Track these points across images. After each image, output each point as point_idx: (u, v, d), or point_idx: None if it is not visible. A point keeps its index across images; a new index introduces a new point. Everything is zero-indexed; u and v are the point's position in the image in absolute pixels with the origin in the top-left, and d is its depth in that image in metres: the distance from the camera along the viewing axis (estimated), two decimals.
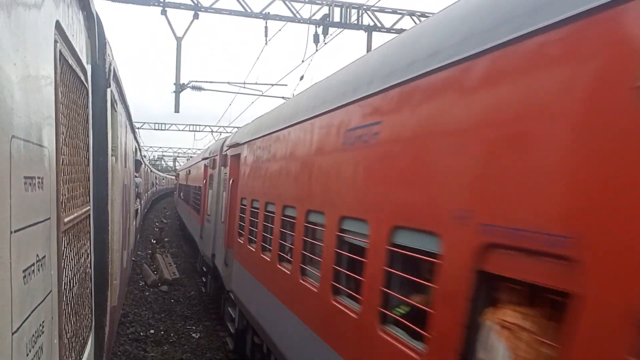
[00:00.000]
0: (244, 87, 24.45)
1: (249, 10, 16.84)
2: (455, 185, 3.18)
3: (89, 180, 3.21)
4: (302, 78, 20.80)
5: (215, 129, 57.95)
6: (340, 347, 4.73)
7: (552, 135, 2.50)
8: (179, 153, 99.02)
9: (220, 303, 14.09)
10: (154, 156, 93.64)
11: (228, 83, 24.35)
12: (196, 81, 23.49)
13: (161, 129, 57.76)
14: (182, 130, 58.57)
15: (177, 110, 19.87)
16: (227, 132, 52.93)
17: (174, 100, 20.09)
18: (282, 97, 23.62)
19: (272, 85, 24.62)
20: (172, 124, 58.74)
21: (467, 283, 2.85)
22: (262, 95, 25.48)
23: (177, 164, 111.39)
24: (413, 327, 3.48)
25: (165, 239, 30.38)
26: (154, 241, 28.68)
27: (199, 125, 59.34)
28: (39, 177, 1.72)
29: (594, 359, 2.14)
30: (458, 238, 3.03)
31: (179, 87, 20.01)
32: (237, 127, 50.26)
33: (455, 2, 3.91)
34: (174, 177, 66.50)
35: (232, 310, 10.87)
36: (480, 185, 2.97)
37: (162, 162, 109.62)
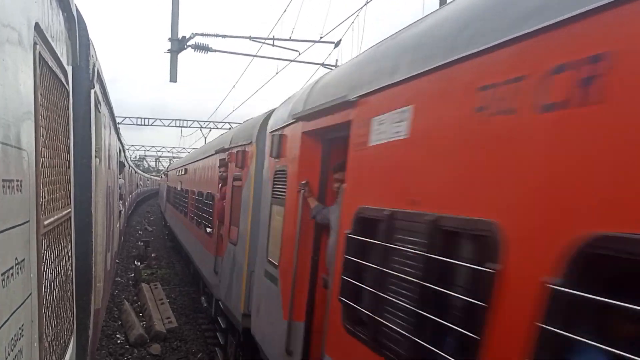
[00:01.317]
0: (273, 46, 15.89)
1: None
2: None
3: (69, 182, 3.19)
4: (337, 44, 15.24)
5: (203, 123, 52.55)
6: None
7: None
8: (162, 152, 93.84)
9: None
10: (135, 156, 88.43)
11: (249, 38, 15.70)
12: (202, 34, 15.12)
13: (144, 125, 52.97)
14: (168, 125, 53.60)
15: (173, 79, 14.23)
16: (219, 129, 48.87)
17: (170, 63, 14.06)
18: (323, 65, 16.40)
19: (315, 42, 15.59)
20: (156, 119, 53.59)
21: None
22: (294, 61, 16.50)
23: (159, 164, 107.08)
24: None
25: (152, 255, 24.17)
26: (138, 262, 21.98)
27: (187, 120, 53.88)
28: (17, 180, 1.71)
29: None
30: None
31: (176, 45, 14.14)
32: (231, 123, 46.15)
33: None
34: (159, 179, 63.79)
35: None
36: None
37: (144, 163, 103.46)
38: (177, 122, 53.54)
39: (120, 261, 20.73)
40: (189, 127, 53.36)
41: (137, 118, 52.05)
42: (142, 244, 25.75)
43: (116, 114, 9.97)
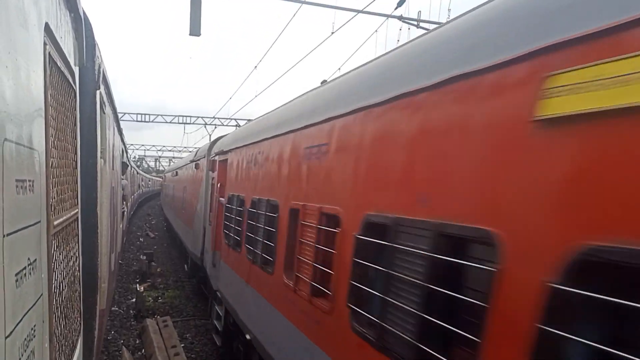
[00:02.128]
0: None
1: None
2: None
3: (77, 182, 3.19)
4: (402, 2, 12.61)
5: (208, 120, 48.33)
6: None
7: None
8: (163, 151, 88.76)
9: None
10: (134, 156, 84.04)
11: None
12: None
13: (144, 121, 47.35)
14: (170, 122, 48.14)
15: (194, 31, 11.10)
16: (225, 127, 46.16)
17: (190, 9, 11.03)
18: (401, 18, 13.24)
19: None
20: (157, 115, 47.82)
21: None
22: (362, 12, 12.75)
23: (159, 164, 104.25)
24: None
25: (158, 269, 20.40)
26: (139, 285, 17.79)
27: (190, 116, 49.04)
28: (29, 180, 1.71)
29: None
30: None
31: None
32: (238, 119, 43.75)
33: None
34: (160, 179, 62.23)
35: None
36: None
37: (144, 163, 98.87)
38: (180, 118, 48.91)
39: (119, 280, 16.87)
40: (193, 123, 49.08)
41: (138, 114, 46.40)
42: (144, 257, 21.02)
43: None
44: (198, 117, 48.84)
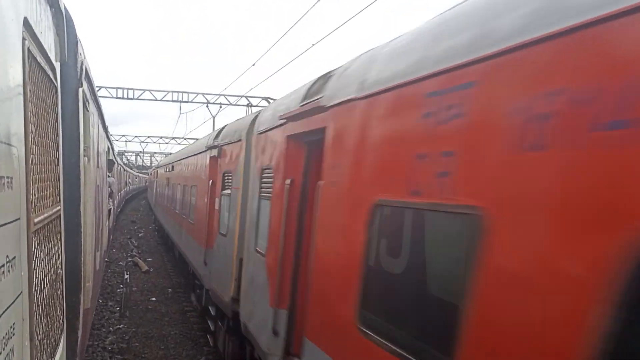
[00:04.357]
0: None
1: None
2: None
3: (59, 180, 3.16)
4: None
5: (212, 98, 37.26)
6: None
7: None
8: (147, 142, 76.87)
9: None
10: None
11: None
12: None
13: (127, 98, 35.52)
14: (162, 99, 36.85)
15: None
16: (236, 106, 36.49)
17: None
18: None
19: None
20: (144, 90, 35.97)
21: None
22: None
23: (139, 159, 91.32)
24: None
25: None
26: None
27: (188, 92, 37.13)
28: (8, 177, 1.69)
29: None
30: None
31: None
32: (250, 97, 36.52)
33: None
34: (145, 176, 58.44)
35: None
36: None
37: (124, 159, 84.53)
38: (175, 94, 37.19)
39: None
40: (192, 101, 37.85)
41: (118, 88, 35.30)
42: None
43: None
44: (198, 93, 37.38)
